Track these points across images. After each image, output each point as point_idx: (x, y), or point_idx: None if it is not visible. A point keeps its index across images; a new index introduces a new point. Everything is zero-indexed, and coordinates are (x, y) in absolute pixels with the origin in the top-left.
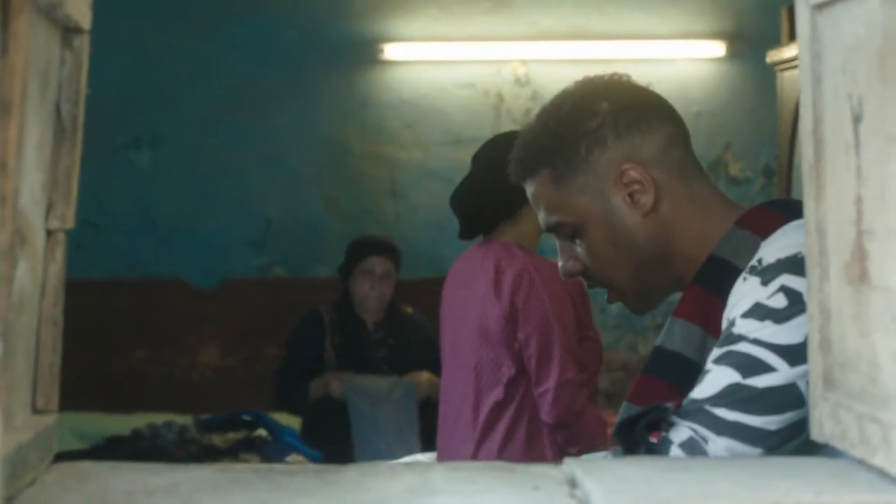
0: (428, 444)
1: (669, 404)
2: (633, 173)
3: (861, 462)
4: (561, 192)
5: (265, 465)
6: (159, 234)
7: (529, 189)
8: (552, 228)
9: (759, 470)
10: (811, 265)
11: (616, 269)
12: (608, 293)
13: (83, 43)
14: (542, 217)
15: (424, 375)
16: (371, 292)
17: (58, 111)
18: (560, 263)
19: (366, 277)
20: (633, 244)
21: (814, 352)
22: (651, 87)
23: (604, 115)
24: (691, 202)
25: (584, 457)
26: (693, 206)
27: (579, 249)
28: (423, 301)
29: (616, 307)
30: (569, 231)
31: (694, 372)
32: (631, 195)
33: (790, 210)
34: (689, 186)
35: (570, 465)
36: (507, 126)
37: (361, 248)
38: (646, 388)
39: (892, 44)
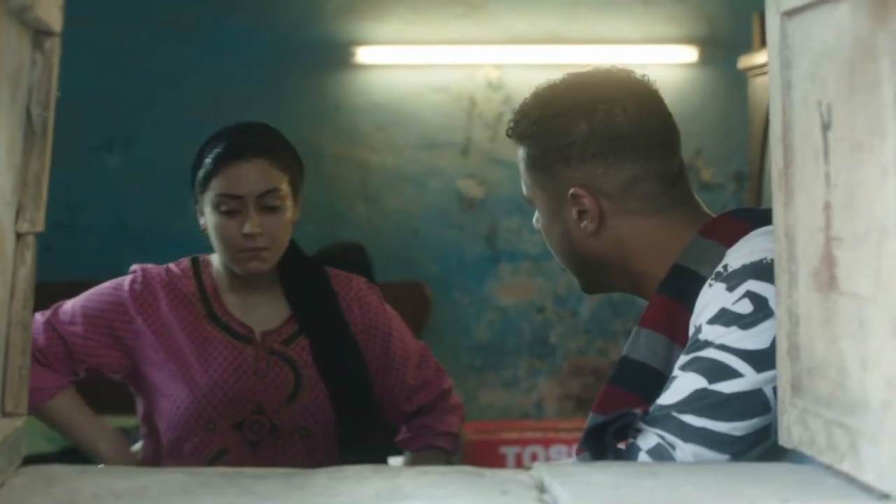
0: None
1: (637, 410)
2: (584, 200)
3: (828, 468)
4: (529, 174)
5: (234, 469)
6: (131, 236)
7: (518, 149)
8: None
9: (727, 476)
10: (780, 271)
11: (564, 260)
12: None
13: (54, 45)
14: (521, 178)
15: None
16: None
17: (28, 114)
18: (534, 219)
19: None
20: (574, 251)
21: (782, 358)
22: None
23: (578, 136)
24: (647, 230)
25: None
26: (648, 234)
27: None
28: (395, 305)
29: (587, 312)
30: (531, 202)
31: (660, 381)
32: (579, 213)
33: (756, 218)
34: (651, 219)
35: (539, 470)
36: (479, 130)
37: None
38: (612, 399)
39: (862, 51)
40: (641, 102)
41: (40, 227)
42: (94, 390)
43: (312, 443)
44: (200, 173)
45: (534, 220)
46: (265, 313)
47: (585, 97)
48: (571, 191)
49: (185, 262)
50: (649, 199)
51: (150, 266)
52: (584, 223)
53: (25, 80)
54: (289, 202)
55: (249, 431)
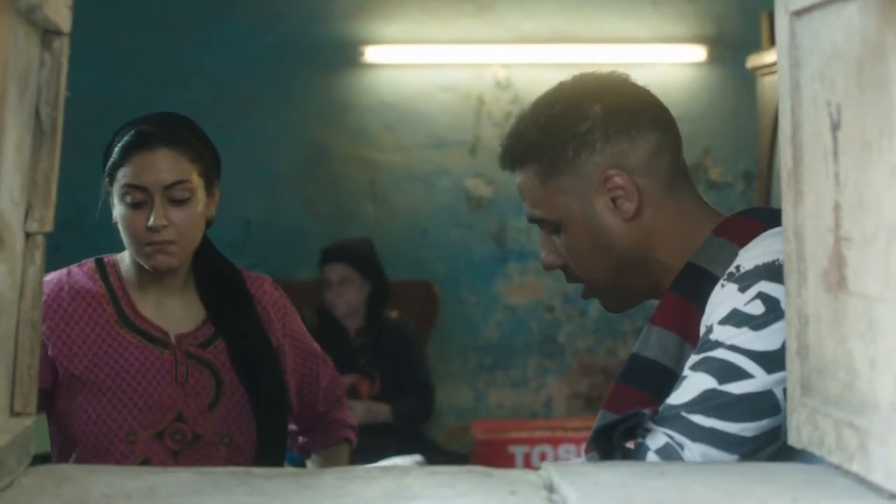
0: (404, 448)
1: (646, 411)
2: (618, 180)
3: (838, 468)
4: (546, 188)
5: (243, 469)
6: None
7: (517, 179)
8: (535, 221)
9: (736, 475)
10: (789, 271)
11: (594, 269)
12: (583, 289)
13: (63, 45)
14: (526, 208)
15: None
16: (336, 300)
17: (37, 114)
18: (542, 255)
19: (327, 286)
20: (612, 248)
21: (791, 358)
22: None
23: (595, 118)
24: (673, 211)
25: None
26: (675, 216)
27: (559, 245)
28: (404, 304)
29: (595, 311)
30: (550, 227)
31: (670, 380)
32: (614, 200)
33: (769, 218)
34: (673, 195)
35: (548, 470)
36: (487, 129)
37: (321, 257)
38: (621, 396)
39: (870, 51)
40: (632, 83)
41: (49, 226)
42: None
43: (236, 451)
44: (109, 163)
45: (543, 256)
46: (179, 315)
47: (588, 87)
48: (604, 175)
49: (90, 262)
50: (674, 170)
51: (49, 273)
52: (622, 208)
53: (34, 79)
54: (200, 195)
55: (171, 440)
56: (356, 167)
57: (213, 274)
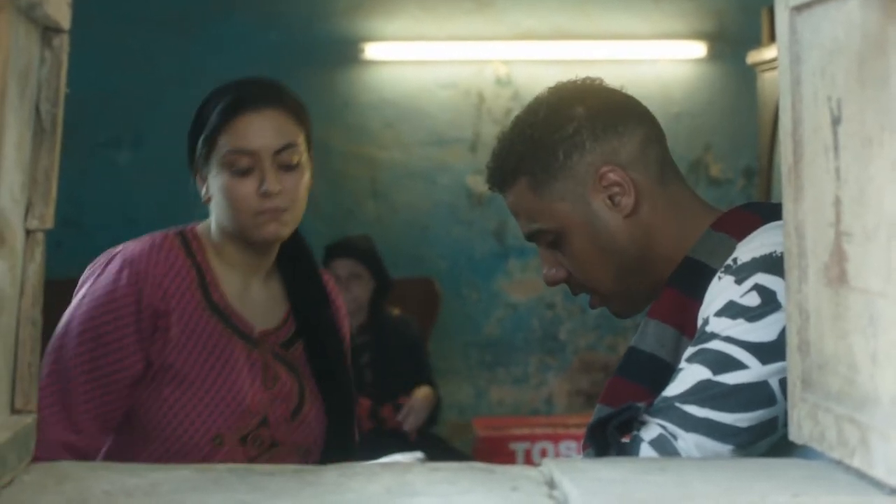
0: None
1: (640, 404)
2: (613, 175)
3: (839, 463)
4: (541, 199)
5: (244, 466)
6: (140, 233)
7: (508, 199)
8: (532, 237)
9: (737, 471)
10: (790, 266)
11: (599, 274)
12: (591, 298)
13: (63, 42)
14: (522, 226)
15: (423, 392)
16: (344, 295)
17: (37, 111)
18: (543, 271)
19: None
20: (614, 247)
21: (792, 353)
22: (626, 89)
23: (580, 119)
24: (668, 204)
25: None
26: (670, 208)
27: (561, 256)
28: (405, 301)
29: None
30: (550, 238)
31: (667, 373)
32: (611, 198)
33: (767, 212)
34: (666, 188)
35: (549, 466)
36: (488, 126)
37: (327, 253)
38: (618, 390)
39: (871, 46)
40: (612, 87)
41: (49, 223)
42: None
43: (306, 462)
44: (204, 132)
45: (545, 272)
46: (263, 307)
47: (566, 92)
48: (598, 174)
49: (171, 235)
50: (664, 163)
51: (130, 246)
52: (620, 205)
53: (34, 77)
54: (306, 161)
55: (252, 446)
56: (356, 164)
57: (299, 264)
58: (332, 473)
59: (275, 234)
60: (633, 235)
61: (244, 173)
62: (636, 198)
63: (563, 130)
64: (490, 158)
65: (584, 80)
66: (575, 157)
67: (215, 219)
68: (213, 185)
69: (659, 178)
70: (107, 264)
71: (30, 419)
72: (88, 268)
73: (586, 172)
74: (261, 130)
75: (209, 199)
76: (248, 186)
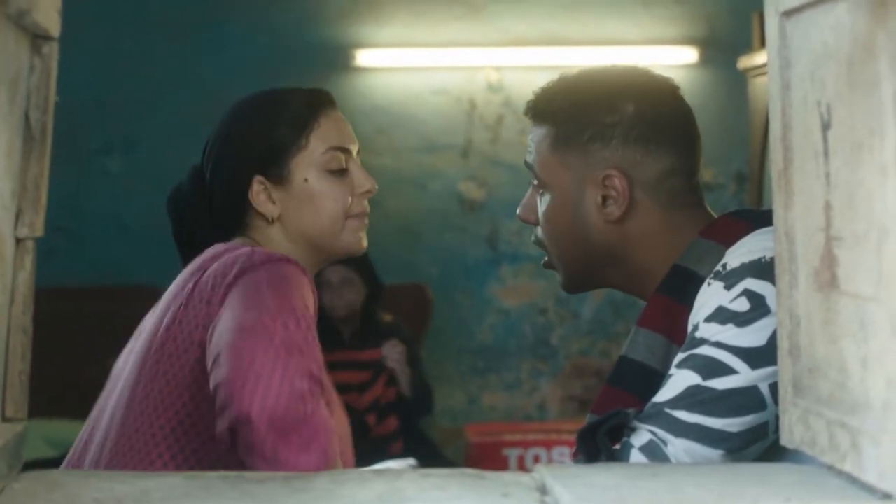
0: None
1: (630, 410)
2: (617, 182)
3: (830, 468)
4: (552, 153)
5: (235, 473)
6: (133, 240)
7: (532, 130)
8: (530, 170)
9: (728, 476)
10: (780, 272)
11: (558, 245)
12: (544, 258)
13: (52, 50)
14: (528, 157)
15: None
16: (337, 301)
17: (27, 118)
18: (519, 207)
19: (326, 289)
20: (583, 239)
21: (783, 358)
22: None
23: (623, 116)
24: (662, 229)
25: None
26: (662, 234)
27: (539, 205)
28: (397, 308)
29: (589, 313)
30: (540, 187)
31: (658, 381)
32: (604, 198)
33: (756, 219)
34: (671, 215)
35: (541, 472)
36: (479, 132)
37: None
38: (610, 399)
39: (860, 51)
40: (677, 96)
41: (40, 231)
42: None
43: None
44: (289, 131)
45: (520, 208)
46: None
47: (633, 83)
48: (606, 172)
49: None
50: (674, 194)
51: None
52: (608, 209)
53: (24, 84)
54: None
55: None
56: None
57: None
58: (323, 480)
59: (363, 243)
60: (606, 240)
61: (342, 173)
62: (625, 212)
63: (603, 116)
64: (540, 89)
65: (665, 78)
66: (597, 144)
67: (291, 235)
68: (300, 192)
69: (666, 205)
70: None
71: (20, 427)
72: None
73: (597, 163)
74: (347, 128)
75: (279, 215)
76: (344, 188)
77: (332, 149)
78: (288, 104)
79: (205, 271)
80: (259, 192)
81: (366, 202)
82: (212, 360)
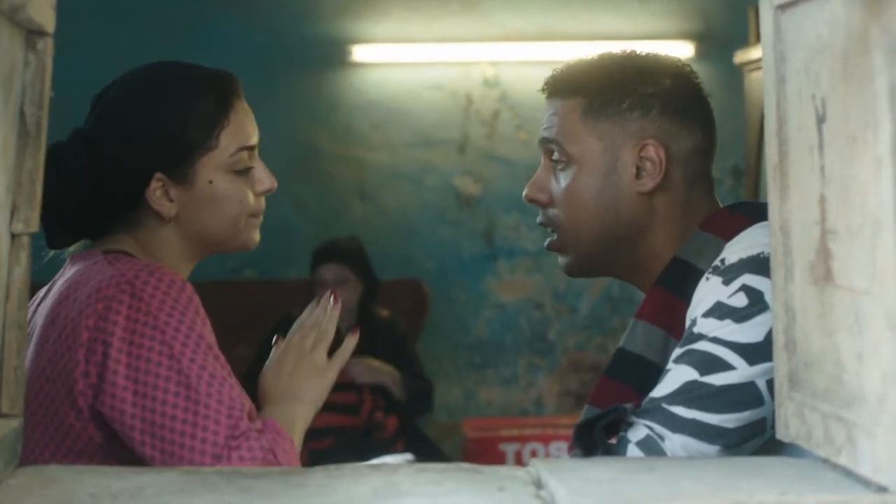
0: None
1: (628, 405)
2: (654, 152)
3: (826, 461)
4: (583, 125)
5: (230, 469)
6: None
7: (553, 106)
8: (549, 149)
9: (724, 470)
10: (776, 265)
11: (580, 221)
12: (549, 239)
13: (47, 46)
14: (546, 132)
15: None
16: None
17: (22, 114)
18: (527, 187)
19: (322, 286)
20: (612, 211)
21: (779, 352)
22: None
23: (663, 88)
24: (682, 209)
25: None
26: (681, 214)
27: (556, 184)
28: (394, 303)
29: (585, 308)
30: (562, 162)
31: (655, 374)
32: (639, 168)
33: (755, 212)
34: (689, 196)
35: (536, 466)
36: (475, 127)
37: (314, 258)
38: (606, 391)
39: (855, 45)
40: (699, 80)
41: (35, 227)
42: None
43: None
44: (198, 131)
45: (528, 187)
46: None
47: (668, 62)
48: (644, 142)
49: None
50: (698, 174)
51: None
52: (641, 179)
53: (18, 80)
54: None
55: None
56: (344, 166)
57: None
58: (319, 475)
59: (256, 240)
60: (635, 213)
61: (246, 172)
62: (659, 184)
63: (642, 87)
64: (563, 65)
65: (689, 65)
66: (637, 113)
67: (186, 235)
68: (198, 195)
69: (689, 184)
70: None
71: (16, 423)
72: None
73: (635, 132)
74: (252, 121)
75: (174, 216)
76: (247, 186)
77: (244, 148)
78: (199, 95)
79: (71, 299)
80: (156, 189)
81: (263, 200)
82: (130, 429)
